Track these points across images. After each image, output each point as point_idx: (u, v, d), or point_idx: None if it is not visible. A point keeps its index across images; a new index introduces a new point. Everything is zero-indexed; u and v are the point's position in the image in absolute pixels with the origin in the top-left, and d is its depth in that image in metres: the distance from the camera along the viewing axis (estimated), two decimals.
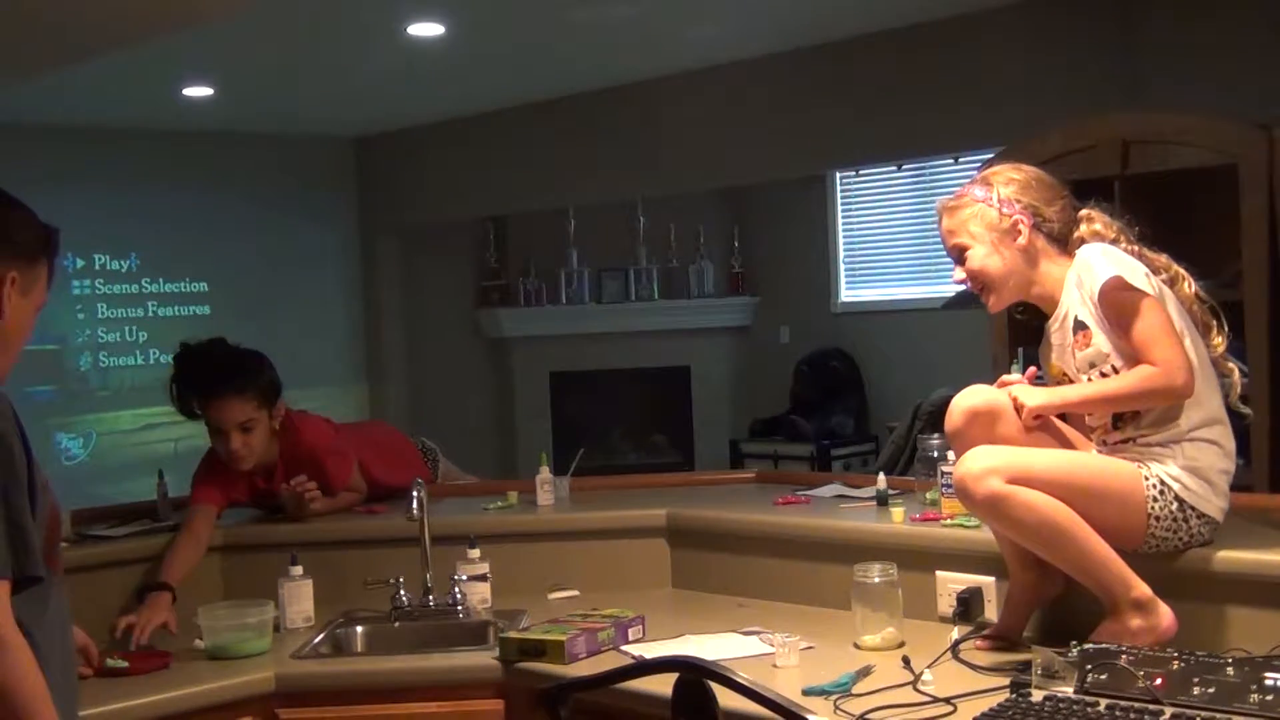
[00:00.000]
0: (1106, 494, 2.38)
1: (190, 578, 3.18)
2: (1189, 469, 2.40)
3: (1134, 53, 5.30)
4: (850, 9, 5.78)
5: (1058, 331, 2.54)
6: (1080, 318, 2.46)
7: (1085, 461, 2.45)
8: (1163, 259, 2.52)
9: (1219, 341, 2.50)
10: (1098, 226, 2.53)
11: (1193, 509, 2.39)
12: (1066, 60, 5.48)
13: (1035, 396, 2.45)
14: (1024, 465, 2.37)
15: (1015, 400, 2.46)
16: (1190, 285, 2.51)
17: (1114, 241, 2.51)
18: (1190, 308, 2.49)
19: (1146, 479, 2.39)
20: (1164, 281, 2.47)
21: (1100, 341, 2.44)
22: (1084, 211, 2.56)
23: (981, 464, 2.37)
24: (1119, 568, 2.35)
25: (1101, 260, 2.43)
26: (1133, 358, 2.39)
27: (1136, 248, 2.52)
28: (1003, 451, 2.41)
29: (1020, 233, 2.50)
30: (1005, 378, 2.57)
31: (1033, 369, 2.60)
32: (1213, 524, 2.43)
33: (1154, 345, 2.36)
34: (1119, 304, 2.39)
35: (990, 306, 2.60)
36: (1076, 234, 2.54)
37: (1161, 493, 2.39)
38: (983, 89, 5.74)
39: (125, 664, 2.91)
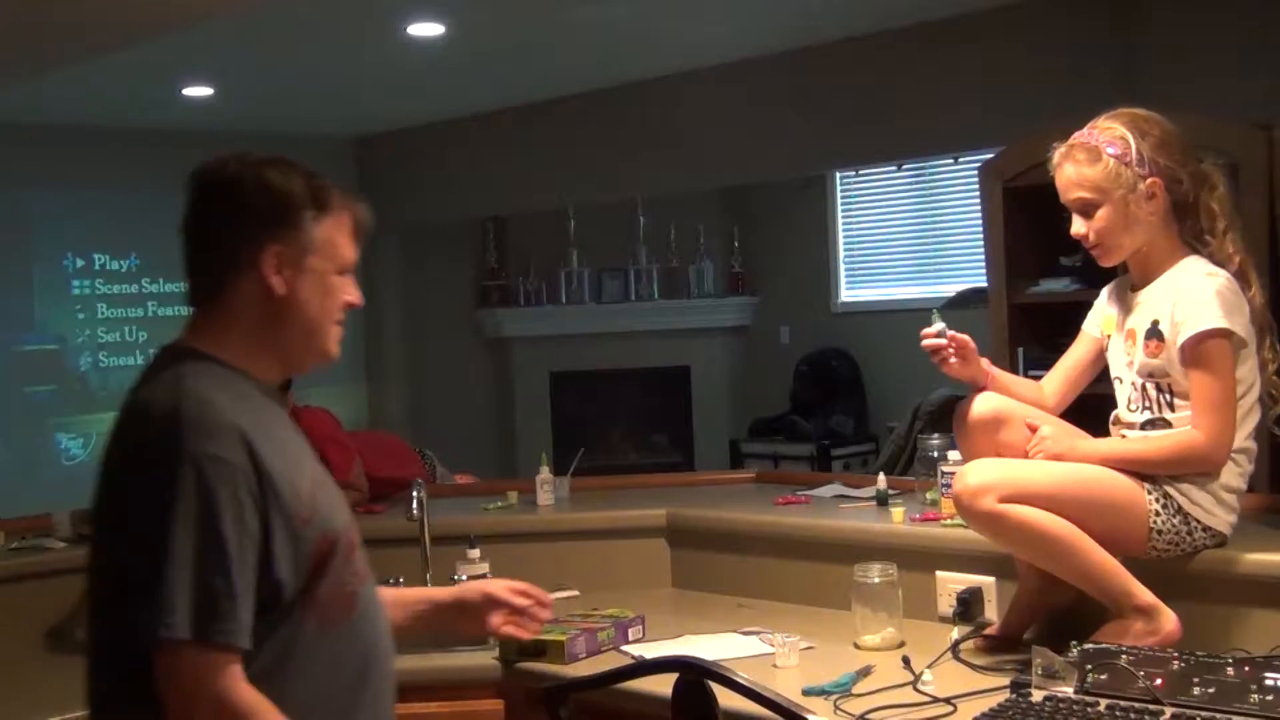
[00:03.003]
0: (1106, 507, 2.36)
1: None
2: (1197, 483, 2.38)
3: (1134, 52, 5.30)
4: (850, 9, 5.77)
5: (1128, 311, 2.50)
6: (1161, 329, 2.41)
7: (1085, 475, 2.39)
8: (1245, 255, 2.45)
9: (1270, 357, 2.44)
10: (1215, 204, 2.43)
11: (1197, 522, 2.38)
12: (1066, 60, 5.48)
13: (1058, 447, 2.41)
14: (1023, 480, 2.35)
15: (1036, 446, 2.43)
16: (1261, 297, 2.45)
17: (1224, 232, 2.42)
18: (1259, 316, 2.43)
19: (1149, 493, 2.37)
20: (1249, 298, 2.41)
21: (1169, 360, 2.39)
22: (1204, 167, 2.46)
23: (977, 480, 2.34)
24: (1121, 577, 2.34)
25: (1208, 297, 2.35)
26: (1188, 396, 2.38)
27: (1238, 250, 2.44)
28: (1001, 466, 2.39)
29: (1155, 196, 2.40)
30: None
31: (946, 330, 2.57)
32: (1219, 537, 2.41)
33: (1212, 413, 2.33)
34: (1203, 353, 2.34)
35: (1103, 262, 2.52)
36: (1198, 196, 2.44)
37: (1164, 506, 2.37)
38: (983, 89, 5.74)
39: None
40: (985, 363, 2.63)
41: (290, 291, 1.84)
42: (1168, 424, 2.42)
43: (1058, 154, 2.47)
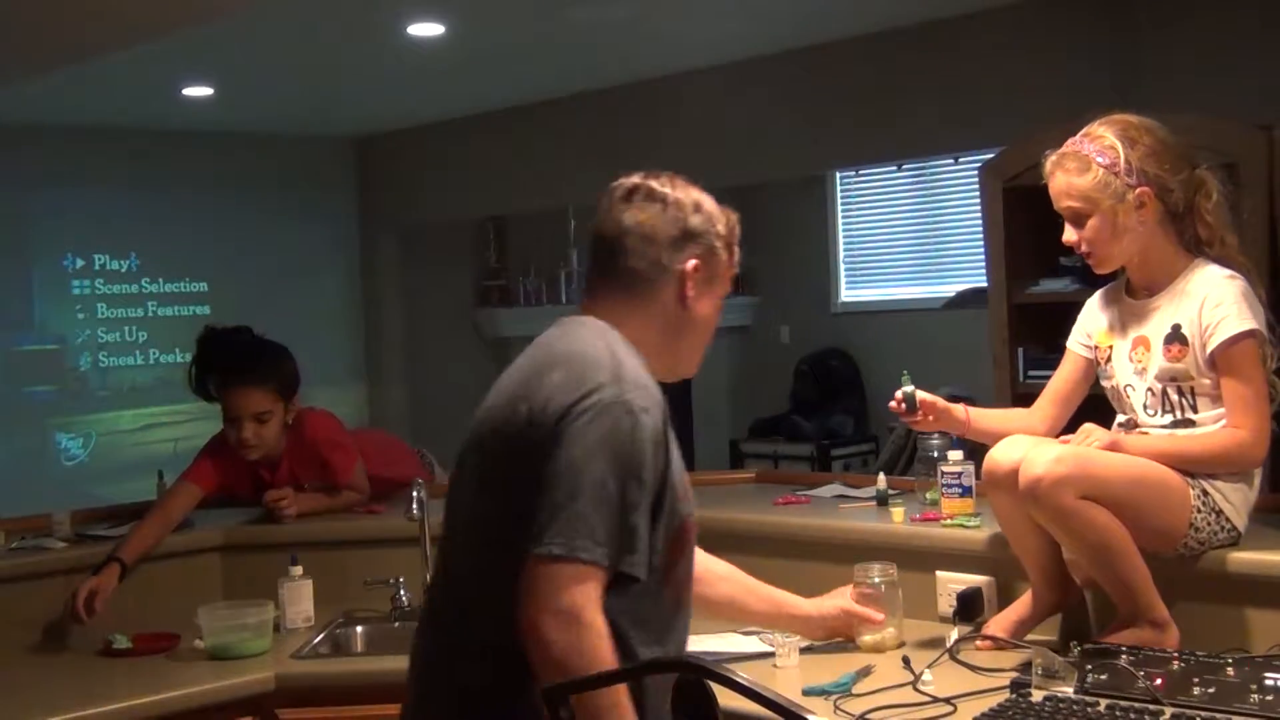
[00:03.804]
0: (1160, 502, 2.36)
1: (150, 554, 3.17)
2: (1232, 481, 2.40)
3: (1134, 52, 5.30)
4: (850, 9, 5.77)
5: (1134, 318, 2.50)
6: (1184, 331, 2.41)
7: (1146, 469, 2.37)
8: (1245, 261, 2.45)
9: (1271, 353, 2.44)
10: (1210, 214, 2.44)
11: (1228, 520, 2.40)
12: (1066, 60, 5.49)
13: (1109, 437, 2.41)
14: (1093, 472, 2.32)
15: (1088, 439, 2.40)
16: (1262, 291, 2.45)
17: (1222, 240, 2.43)
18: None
19: (1192, 489, 2.38)
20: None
21: (1192, 364, 2.40)
22: (1199, 173, 2.46)
23: (1060, 470, 2.29)
24: (1151, 588, 2.35)
25: (1236, 301, 2.36)
26: (1216, 396, 2.38)
27: (1239, 255, 2.44)
28: (1073, 456, 2.33)
29: (1145, 205, 2.40)
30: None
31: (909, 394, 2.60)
32: (1236, 535, 2.43)
33: (1251, 412, 2.35)
34: (1236, 356, 2.35)
35: (1096, 269, 2.52)
36: (1194, 203, 2.44)
37: (1204, 503, 2.38)
38: (983, 89, 5.74)
39: (129, 644, 2.92)
40: (962, 409, 2.64)
41: (696, 306, 2.07)
42: (1193, 425, 2.43)
43: (1049, 162, 2.48)
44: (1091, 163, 2.41)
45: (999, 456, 2.44)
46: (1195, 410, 2.43)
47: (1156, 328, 2.46)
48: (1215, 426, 2.41)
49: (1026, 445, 2.42)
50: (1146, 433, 2.49)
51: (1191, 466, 2.39)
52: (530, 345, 2.04)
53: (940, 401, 2.63)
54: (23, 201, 7.68)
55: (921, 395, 2.62)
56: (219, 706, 2.72)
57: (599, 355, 1.93)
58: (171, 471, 3.57)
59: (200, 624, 2.90)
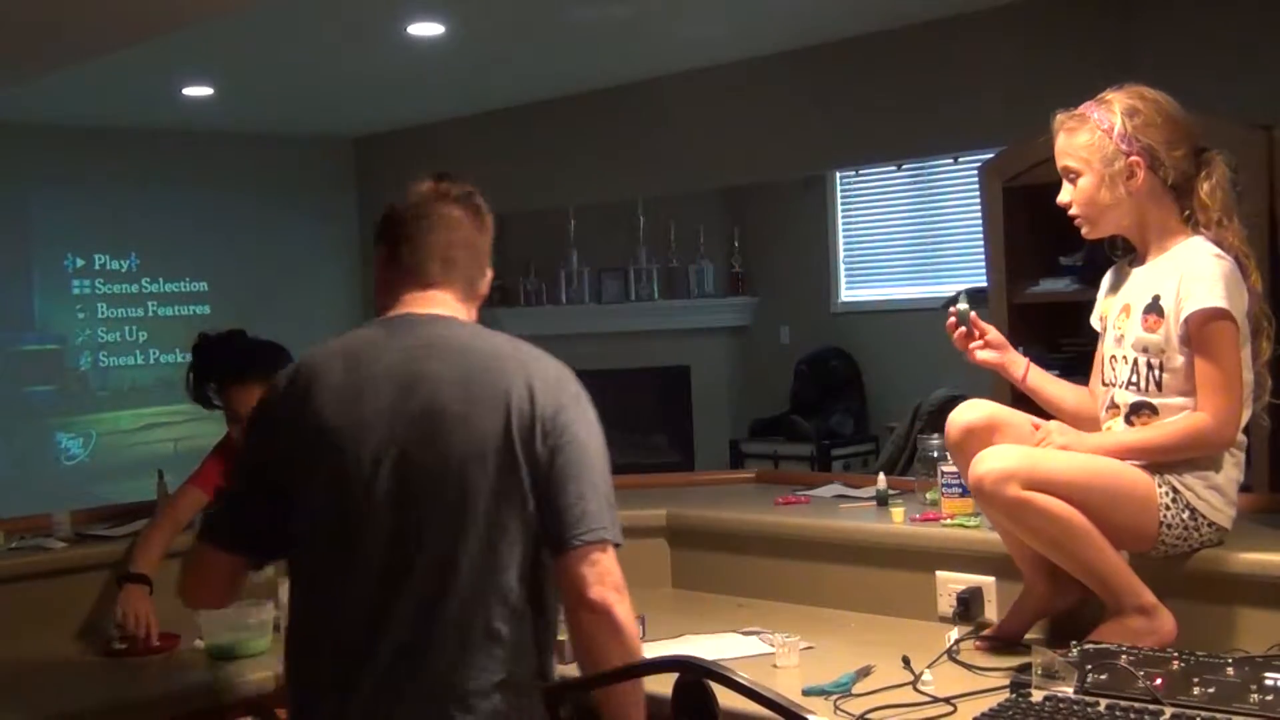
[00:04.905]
0: (1121, 500, 2.36)
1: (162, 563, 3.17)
2: (1204, 478, 2.39)
3: (1134, 52, 5.30)
4: (850, 9, 5.78)
5: (1124, 285, 2.51)
6: (1162, 303, 2.41)
7: (1101, 466, 2.38)
8: (1243, 247, 2.44)
9: (1265, 348, 2.44)
10: (1206, 195, 2.44)
11: (1204, 517, 2.38)
12: (1066, 60, 5.48)
13: (1065, 438, 2.41)
14: (1043, 468, 2.33)
15: (1045, 440, 2.41)
16: (1259, 289, 2.44)
17: (1219, 223, 2.42)
18: (1255, 308, 2.43)
19: (1159, 486, 2.38)
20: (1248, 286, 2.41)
21: (1166, 337, 2.39)
22: (1207, 155, 2.47)
23: (1000, 466, 2.32)
24: (1127, 575, 2.34)
25: (1214, 278, 2.35)
26: (1187, 375, 2.37)
27: (1237, 240, 2.44)
28: (1019, 453, 2.36)
29: (1135, 175, 2.42)
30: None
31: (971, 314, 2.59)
32: (1221, 531, 2.42)
33: (1218, 394, 2.34)
34: (1209, 334, 2.34)
35: (1085, 234, 2.54)
36: (1194, 183, 2.45)
37: (1174, 500, 2.37)
38: (983, 89, 5.74)
39: (125, 644, 2.92)
40: (1024, 358, 2.64)
41: None
42: (1153, 409, 2.42)
43: (1056, 121, 2.54)
44: (1090, 125, 2.46)
45: (955, 418, 2.50)
46: (1160, 390, 2.41)
47: (1138, 294, 2.47)
48: (1175, 417, 2.40)
49: (987, 411, 2.48)
50: (1111, 422, 2.49)
51: (1156, 456, 2.38)
52: (422, 347, 2.06)
53: (998, 334, 2.62)
54: (23, 201, 7.69)
55: (977, 318, 2.60)
56: (219, 707, 2.71)
57: (538, 351, 2.10)
58: (171, 471, 3.57)
59: (200, 624, 2.90)
